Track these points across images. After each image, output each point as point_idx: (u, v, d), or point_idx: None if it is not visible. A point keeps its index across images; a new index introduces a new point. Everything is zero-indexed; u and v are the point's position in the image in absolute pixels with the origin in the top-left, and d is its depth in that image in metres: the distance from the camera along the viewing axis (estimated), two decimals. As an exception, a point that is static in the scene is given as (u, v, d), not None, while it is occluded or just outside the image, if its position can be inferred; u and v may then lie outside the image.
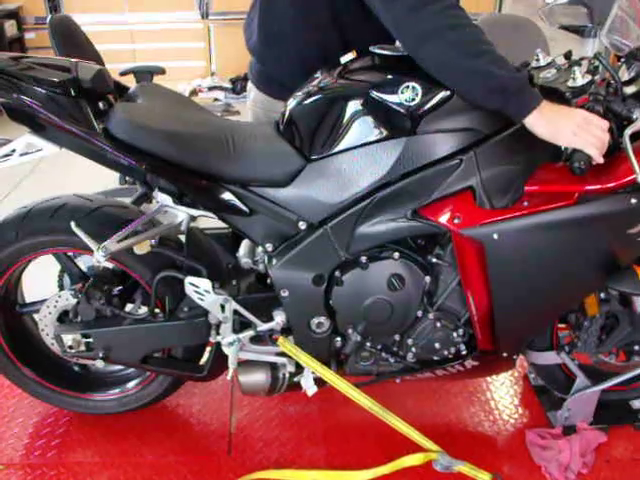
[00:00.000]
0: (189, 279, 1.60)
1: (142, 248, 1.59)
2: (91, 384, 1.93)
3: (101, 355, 1.72)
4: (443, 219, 1.45)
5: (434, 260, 1.55)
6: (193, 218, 1.62)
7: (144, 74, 3.39)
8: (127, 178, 2.81)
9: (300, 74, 1.64)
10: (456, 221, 1.44)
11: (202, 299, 1.61)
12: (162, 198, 1.58)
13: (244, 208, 1.53)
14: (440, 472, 1.65)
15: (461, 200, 1.46)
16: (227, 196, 1.53)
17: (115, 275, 1.79)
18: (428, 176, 1.45)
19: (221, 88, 5.04)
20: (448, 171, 1.44)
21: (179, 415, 1.99)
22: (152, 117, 1.52)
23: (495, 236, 1.42)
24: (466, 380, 2.13)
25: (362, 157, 1.46)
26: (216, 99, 5.00)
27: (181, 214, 1.61)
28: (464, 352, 1.67)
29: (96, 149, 1.48)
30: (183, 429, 1.94)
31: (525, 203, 1.43)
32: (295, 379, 1.75)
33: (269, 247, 1.58)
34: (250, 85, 1.98)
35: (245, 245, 1.72)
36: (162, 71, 3.46)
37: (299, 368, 1.73)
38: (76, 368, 1.93)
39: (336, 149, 1.47)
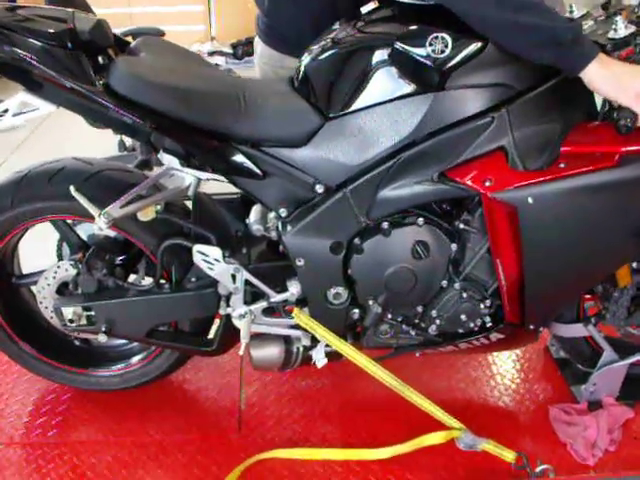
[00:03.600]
0: (197, 247, 1.50)
1: (147, 214, 1.48)
2: (93, 359, 1.84)
3: (104, 329, 1.62)
4: (473, 182, 1.34)
5: (461, 226, 1.44)
6: (201, 181, 1.51)
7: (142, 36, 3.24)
8: (126, 145, 2.70)
9: (310, 29, 1.53)
10: (487, 184, 1.33)
11: (212, 268, 1.51)
12: (168, 160, 1.47)
13: (256, 170, 1.42)
14: (463, 450, 1.57)
15: (492, 161, 1.35)
16: (238, 157, 1.42)
17: (117, 244, 1.69)
18: (457, 135, 1.34)
19: (222, 53, 4.86)
20: (478, 130, 1.33)
21: (186, 391, 1.91)
22: (157, 72, 1.40)
23: (530, 200, 1.31)
24: (484, 354, 2.04)
25: (385, 115, 1.35)
26: (217, 64, 4.84)
27: (188, 177, 1.50)
28: (489, 325, 1.58)
29: (96, 107, 1.36)
30: (190, 406, 1.86)
31: (562, 165, 1.32)
32: (309, 352, 1.66)
33: (283, 212, 1.47)
34: (257, 39, 1.87)
35: (256, 211, 1.61)
36: (161, 33, 3.31)
37: (314, 342, 1.64)
38: (77, 343, 1.84)
39: (357, 106, 1.36)
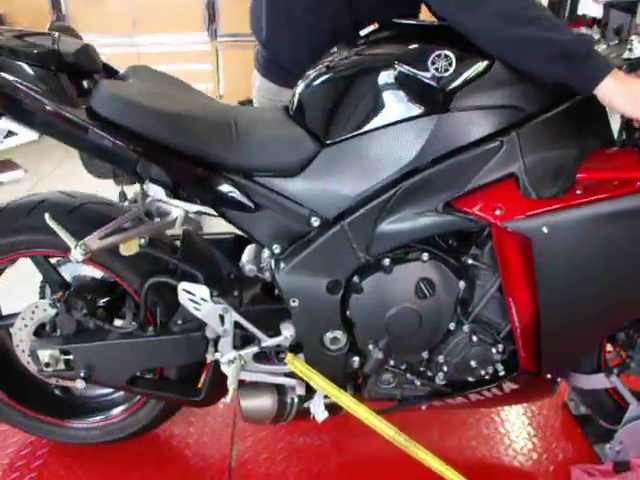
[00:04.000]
0: (183, 285, 1.38)
1: (129, 248, 1.37)
2: (72, 410, 1.70)
3: (82, 375, 1.49)
4: (482, 211, 1.23)
5: (469, 261, 1.33)
6: (189, 215, 1.41)
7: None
8: (128, 196, 2.62)
9: (308, 61, 1.45)
10: (497, 212, 1.22)
11: (198, 309, 1.39)
12: (154, 191, 1.38)
13: (248, 202, 1.32)
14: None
15: (502, 189, 1.24)
16: (228, 188, 1.31)
17: (102, 285, 1.58)
18: (463, 161, 1.24)
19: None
20: (487, 155, 1.23)
21: (172, 447, 1.75)
22: (143, 95, 1.32)
23: (545, 230, 1.20)
24: (497, 409, 1.88)
25: (385, 139, 1.26)
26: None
27: (175, 210, 1.40)
28: (502, 373, 1.44)
29: (77, 131, 1.27)
30: (177, 462, 1.70)
31: (578, 192, 1.21)
32: (305, 404, 1.52)
33: (276, 249, 1.37)
34: (255, 74, 1.80)
35: (249, 250, 1.51)
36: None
37: (310, 392, 1.50)
38: (57, 392, 1.71)
39: (355, 131, 1.27)
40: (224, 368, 1.44)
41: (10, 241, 1.46)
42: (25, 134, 1.37)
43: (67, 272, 1.59)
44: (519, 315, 1.31)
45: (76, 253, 1.27)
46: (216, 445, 1.75)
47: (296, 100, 1.35)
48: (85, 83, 1.34)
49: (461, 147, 1.24)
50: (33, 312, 1.53)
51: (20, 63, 1.26)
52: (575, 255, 1.23)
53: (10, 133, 1.38)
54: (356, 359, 1.43)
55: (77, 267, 1.59)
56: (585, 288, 1.26)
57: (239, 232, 1.55)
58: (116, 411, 1.68)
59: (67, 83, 1.28)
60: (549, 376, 1.44)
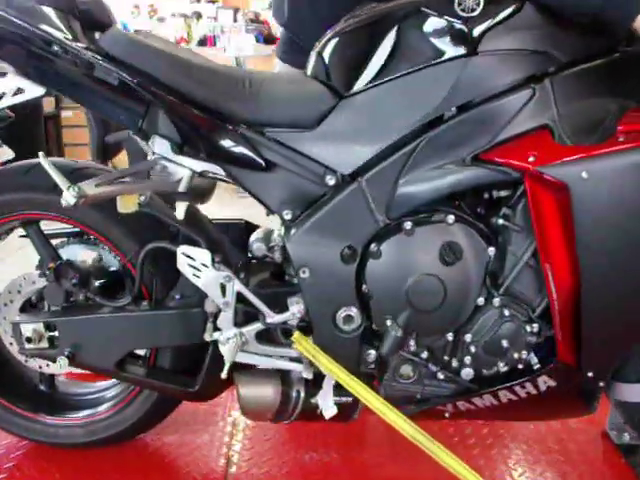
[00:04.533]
0: (182, 248, 1.26)
1: (127, 205, 1.26)
2: (53, 405, 1.53)
3: (66, 353, 1.34)
4: (514, 159, 1.12)
5: (500, 223, 1.19)
6: (194, 177, 1.31)
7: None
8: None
9: None
10: (531, 159, 1.10)
11: (197, 276, 1.26)
12: (159, 147, 1.28)
13: (258, 159, 1.23)
14: None
15: (536, 139, 1.13)
16: (239, 142, 1.22)
17: (100, 268, 1.46)
18: (492, 109, 1.14)
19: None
20: (517, 103, 1.13)
21: (162, 456, 1.56)
22: (155, 43, 1.26)
23: (584, 175, 1.07)
24: (529, 436, 1.67)
25: (408, 87, 1.17)
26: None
27: (181, 170, 1.30)
28: (537, 366, 1.26)
29: (85, 74, 1.20)
30: (166, 473, 1.51)
31: (620, 139, 1.10)
32: (312, 400, 1.34)
33: (287, 215, 1.25)
34: (276, 61, 1.75)
35: (259, 231, 1.40)
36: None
37: (317, 386, 1.33)
38: (42, 387, 1.55)
39: (377, 80, 1.19)
40: (222, 348, 1.28)
41: (8, 199, 1.37)
42: (31, 90, 1.31)
43: (65, 254, 1.49)
44: (557, 286, 1.15)
45: (68, 195, 1.16)
46: (212, 455, 1.55)
47: (314, 57, 1.28)
48: (97, 35, 1.29)
49: (490, 93, 1.14)
50: (20, 285, 1.41)
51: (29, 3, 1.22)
52: (619, 207, 1.09)
53: (19, 90, 1.33)
54: (371, 349, 1.28)
55: (75, 251, 1.48)
56: (633, 250, 1.11)
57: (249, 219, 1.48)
58: (101, 408, 1.51)
59: (76, 25, 1.23)
60: (590, 374, 1.26)
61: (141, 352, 1.45)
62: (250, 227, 1.46)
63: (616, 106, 1.15)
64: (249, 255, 1.38)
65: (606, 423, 1.66)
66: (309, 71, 1.30)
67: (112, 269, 1.46)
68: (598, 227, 1.10)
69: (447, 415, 1.37)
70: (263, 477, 1.49)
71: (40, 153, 1.22)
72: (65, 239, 1.49)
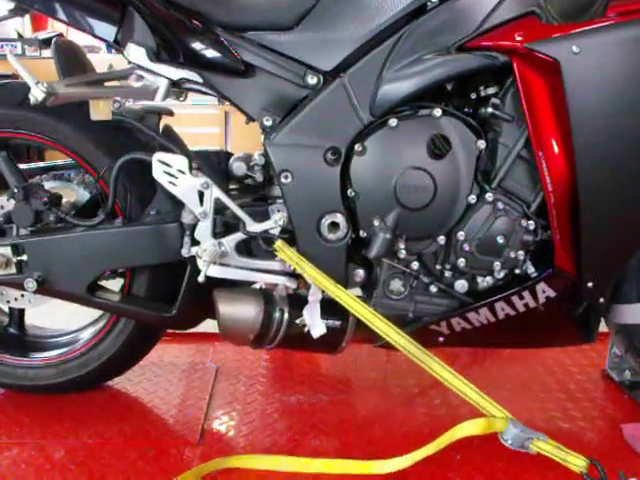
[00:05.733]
0: (158, 155, 1.20)
1: (100, 110, 1.21)
2: (24, 345, 1.44)
3: (36, 276, 1.26)
4: (501, 40, 1.07)
5: (489, 112, 1.13)
6: (173, 85, 1.25)
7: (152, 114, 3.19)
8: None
9: None
10: (519, 38, 1.06)
11: (174, 183, 1.20)
12: (135, 55, 1.22)
13: (237, 63, 1.18)
14: (511, 449, 1.09)
15: (523, 23, 1.09)
16: (216, 45, 1.18)
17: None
18: None
19: (235, 174, 4.91)
20: None
21: (138, 402, 1.46)
22: None
23: (575, 48, 1.02)
24: (526, 377, 1.59)
25: (391, -27, 1.13)
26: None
27: (158, 80, 1.24)
28: (534, 273, 1.20)
29: None
30: (140, 414, 1.42)
31: (610, 16, 1.06)
32: (298, 320, 1.26)
33: (268, 121, 1.20)
34: None
35: (240, 153, 1.35)
36: (170, 113, 3.26)
37: (302, 307, 1.25)
38: (12, 329, 1.46)
39: (358, -31, 1.15)
40: (199, 261, 1.21)
41: (6, 113, 1.30)
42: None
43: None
44: (551, 176, 1.10)
45: (36, 90, 1.11)
46: (191, 399, 1.46)
47: None
48: None
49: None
50: (-10, 209, 1.34)
51: None
52: (611, 82, 1.04)
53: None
54: (360, 270, 1.22)
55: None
56: (627, 124, 1.06)
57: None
58: (73, 347, 1.42)
59: None
60: (590, 284, 1.19)
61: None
62: (230, 156, 1.40)
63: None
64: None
65: (605, 365, 1.60)
66: None
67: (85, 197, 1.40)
68: (591, 104, 1.05)
69: (442, 340, 1.29)
70: (245, 416, 1.40)
71: (7, 51, 1.16)
72: (38, 176, 1.43)
